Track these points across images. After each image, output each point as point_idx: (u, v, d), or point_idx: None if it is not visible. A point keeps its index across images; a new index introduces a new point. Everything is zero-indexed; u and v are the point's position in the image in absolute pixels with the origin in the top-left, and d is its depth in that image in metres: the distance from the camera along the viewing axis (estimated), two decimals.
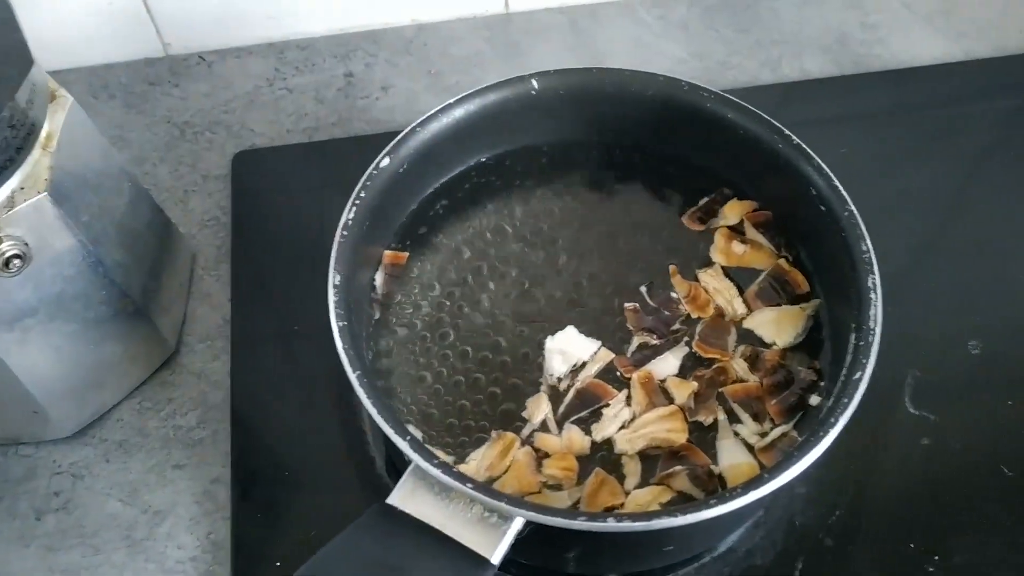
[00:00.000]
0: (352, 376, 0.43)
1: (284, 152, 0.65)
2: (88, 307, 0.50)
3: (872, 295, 0.45)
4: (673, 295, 0.52)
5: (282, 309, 0.57)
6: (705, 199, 0.55)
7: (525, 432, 0.47)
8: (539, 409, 0.48)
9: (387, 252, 0.52)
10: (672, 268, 0.53)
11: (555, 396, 0.49)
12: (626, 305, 0.51)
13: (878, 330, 0.44)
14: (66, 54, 0.70)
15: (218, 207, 0.63)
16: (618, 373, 0.49)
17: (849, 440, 0.52)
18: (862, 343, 0.44)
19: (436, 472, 0.40)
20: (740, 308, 0.51)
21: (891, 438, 0.53)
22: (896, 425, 0.54)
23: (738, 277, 0.52)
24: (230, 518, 0.51)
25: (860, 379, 0.43)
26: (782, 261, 0.52)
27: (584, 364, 0.49)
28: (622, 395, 0.48)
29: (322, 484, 0.52)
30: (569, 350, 0.49)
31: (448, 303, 0.52)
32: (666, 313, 0.51)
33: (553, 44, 0.72)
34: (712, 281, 0.52)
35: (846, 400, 0.42)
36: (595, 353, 0.49)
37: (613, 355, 0.49)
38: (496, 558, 0.39)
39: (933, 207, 0.63)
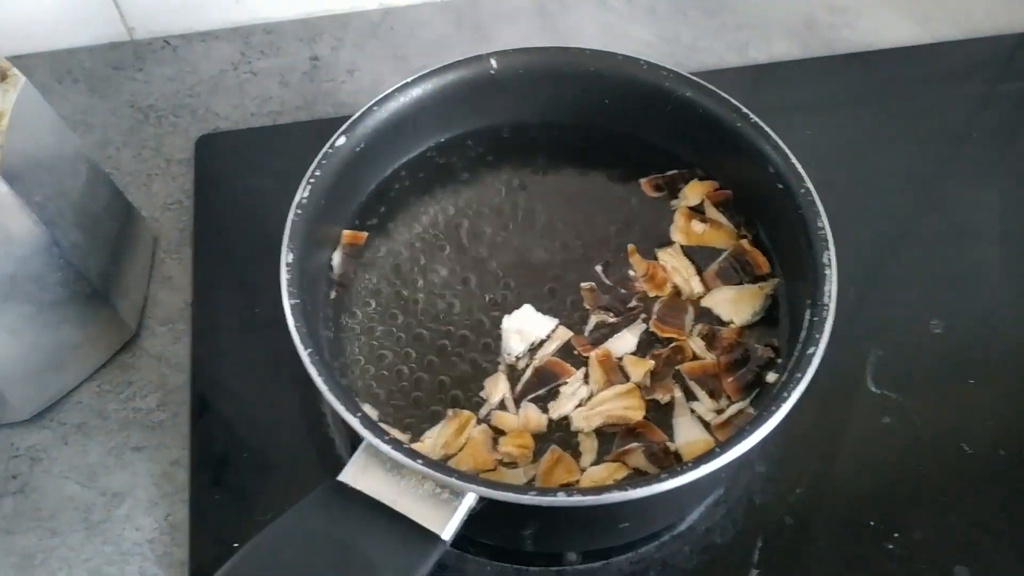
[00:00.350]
0: (303, 354, 0.42)
1: (248, 136, 0.65)
2: (44, 289, 0.49)
3: (827, 271, 0.45)
4: (630, 273, 0.52)
5: (244, 292, 0.57)
6: (673, 171, 0.55)
7: (483, 411, 0.47)
8: (497, 389, 0.48)
9: (346, 232, 0.52)
10: (631, 247, 0.52)
11: (513, 375, 0.48)
12: (582, 284, 0.51)
13: (832, 305, 0.44)
14: (29, 39, 0.69)
15: (181, 191, 0.63)
16: (575, 352, 0.49)
17: (810, 419, 0.53)
18: (816, 318, 0.44)
19: (386, 448, 0.40)
20: (697, 287, 0.51)
21: (852, 417, 0.54)
22: (857, 404, 0.54)
23: (698, 257, 0.52)
24: (189, 500, 0.50)
25: (814, 354, 0.43)
26: (744, 241, 0.52)
27: (542, 343, 0.49)
28: (580, 373, 0.48)
29: (282, 465, 0.52)
30: (526, 329, 0.49)
31: (407, 282, 0.52)
32: (623, 291, 0.51)
33: (520, 28, 0.72)
34: (671, 260, 0.52)
35: (799, 375, 0.42)
36: (553, 331, 0.49)
37: (571, 333, 0.49)
38: (447, 534, 0.39)
39: (897, 188, 0.63)
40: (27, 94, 0.48)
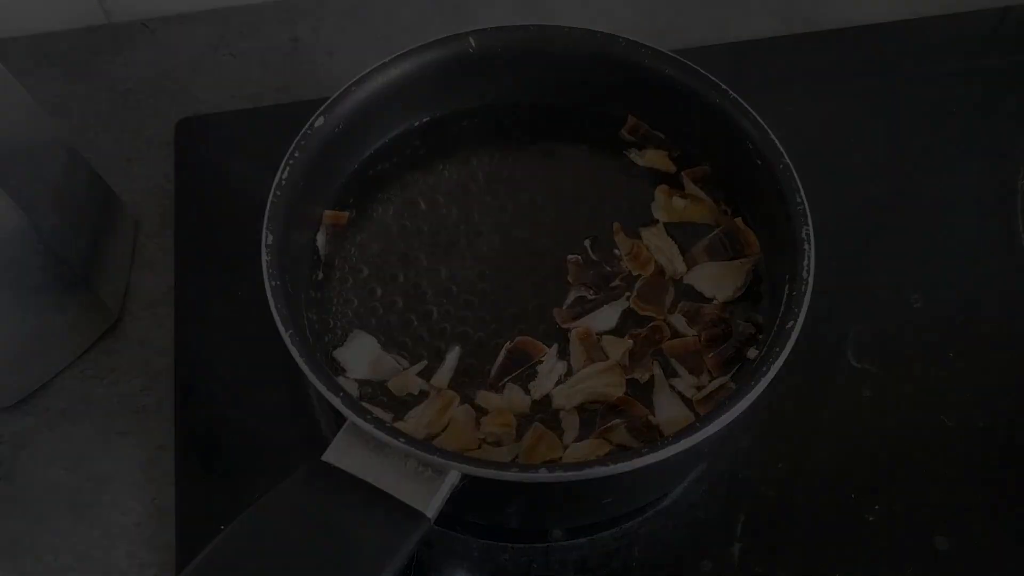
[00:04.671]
0: (285, 335, 0.42)
1: (228, 118, 0.65)
2: (24, 274, 0.49)
3: (806, 245, 0.45)
4: (615, 252, 0.52)
5: (226, 275, 0.57)
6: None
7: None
8: (407, 383, 0.47)
9: (327, 212, 0.52)
10: (616, 226, 0.53)
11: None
12: (568, 257, 0.51)
13: (811, 280, 0.44)
14: (5, 22, 0.68)
15: (162, 174, 0.62)
16: (557, 325, 0.49)
17: (792, 394, 0.53)
18: (795, 293, 0.44)
19: (368, 427, 0.40)
20: (680, 267, 0.51)
21: (834, 391, 0.54)
22: (839, 378, 0.54)
23: (681, 233, 0.52)
24: (175, 483, 0.50)
25: (792, 328, 0.43)
26: (739, 220, 0.52)
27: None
28: (553, 349, 0.48)
29: (267, 448, 0.52)
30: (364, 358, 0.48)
31: (391, 262, 0.52)
32: (607, 268, 0.51)
33: (502, 9, 0.71)
34: (654, 239, 0.52)
35: (778, 349, 0.42)
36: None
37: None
38: (431, 511, 0.39)
39: (879, 164, 0.63)
40: (1, 78, 0.47)
